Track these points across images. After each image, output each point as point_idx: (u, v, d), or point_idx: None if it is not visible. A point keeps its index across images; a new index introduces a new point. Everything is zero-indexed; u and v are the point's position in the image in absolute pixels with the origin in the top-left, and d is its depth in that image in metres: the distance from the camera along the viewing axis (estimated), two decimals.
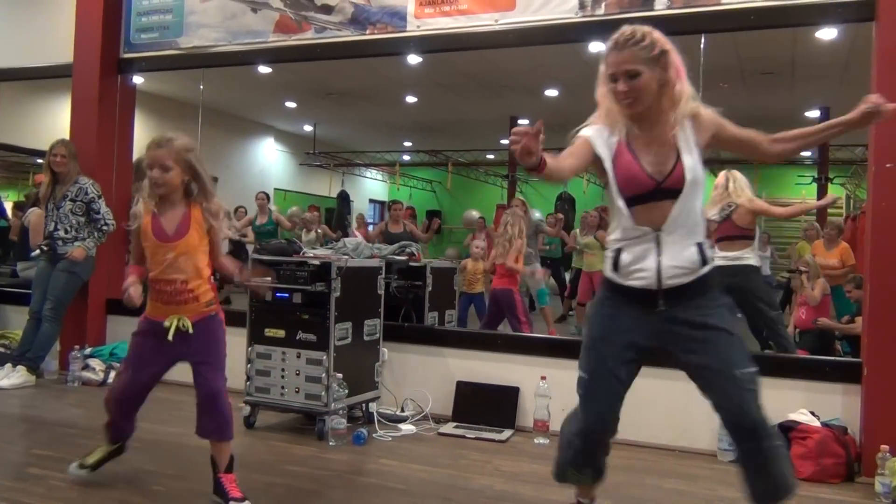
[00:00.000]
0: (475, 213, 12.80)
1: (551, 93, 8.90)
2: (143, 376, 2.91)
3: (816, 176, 10.48)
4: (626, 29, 2.24)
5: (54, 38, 5.73)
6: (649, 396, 3.93)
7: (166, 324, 2.82)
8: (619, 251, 2.33)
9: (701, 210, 2.30)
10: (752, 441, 2.22)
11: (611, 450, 2.48)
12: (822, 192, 10.02)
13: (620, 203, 2.30)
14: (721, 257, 4.75)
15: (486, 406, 4.21)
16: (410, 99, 9.92)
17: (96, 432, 3.04)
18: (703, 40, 4.17)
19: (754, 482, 2.27)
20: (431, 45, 4.63)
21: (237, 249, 8.13)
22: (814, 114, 8.87)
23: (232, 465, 2.91)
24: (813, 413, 3.62)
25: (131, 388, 2.94)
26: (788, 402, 3.65)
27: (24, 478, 2.92)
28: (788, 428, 3.49)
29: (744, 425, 2.21)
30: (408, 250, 4.86)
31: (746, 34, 4.97)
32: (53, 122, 6.46)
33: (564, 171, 2.26)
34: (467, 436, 3.98)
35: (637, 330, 2.31)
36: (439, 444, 3.87)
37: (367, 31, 4.70)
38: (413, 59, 5.32)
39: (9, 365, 4.96)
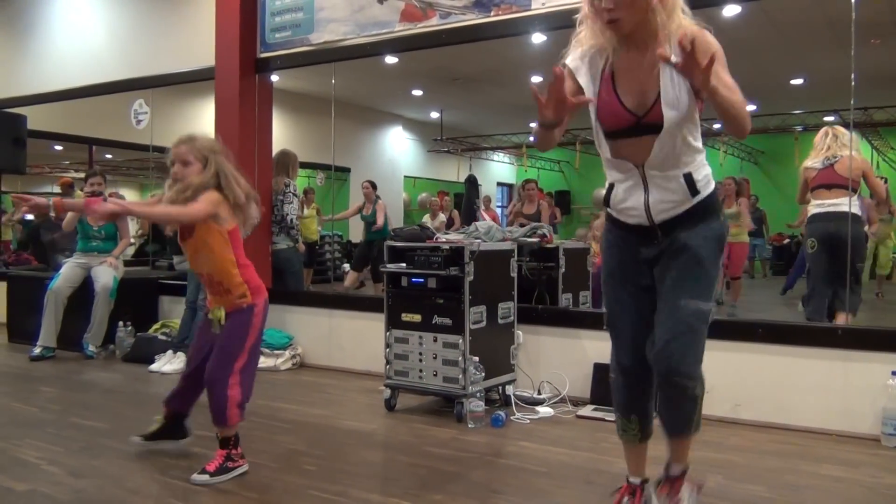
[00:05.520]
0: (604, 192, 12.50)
1: None
2: (198, 355, 3.06)
3: None
4: None
5: (197, 44, 6.08)
6: (801, 377, 3.72)
7: (210, 316, 3.02)
8: (611, 186, 2.30)
9: (688, 138, 2.13)
10: (663, 376, 2.25)
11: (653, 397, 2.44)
12: None
13: (602, 137, 2.22)
14: (817, 205, 4.80)
15: None
16: (536, 79, 9.79)
17: (251, 413, 3.21)
18: None
19: (660, 409, 2.38)
20: (558, 21, 4.53)
21: (309, 248, 7.97)
22: None
23: (226, 443, 2.97)
24: None
25: (190, 364, 3.13)
26: None
27: (187, 455, 3.12)
28: None
29: (660, 359, 2.23)
30: (539, 232, 4.81)
31: None
32: (199, 122, 6.85)
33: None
34: (607, 418, 3.90)
35: (643, 255, 2.28)
36: (578, 427, 3.83)
37: (492, 13, 4.68)
38: (538, 37, 5.24)
39: (170, 351, 5.35)
